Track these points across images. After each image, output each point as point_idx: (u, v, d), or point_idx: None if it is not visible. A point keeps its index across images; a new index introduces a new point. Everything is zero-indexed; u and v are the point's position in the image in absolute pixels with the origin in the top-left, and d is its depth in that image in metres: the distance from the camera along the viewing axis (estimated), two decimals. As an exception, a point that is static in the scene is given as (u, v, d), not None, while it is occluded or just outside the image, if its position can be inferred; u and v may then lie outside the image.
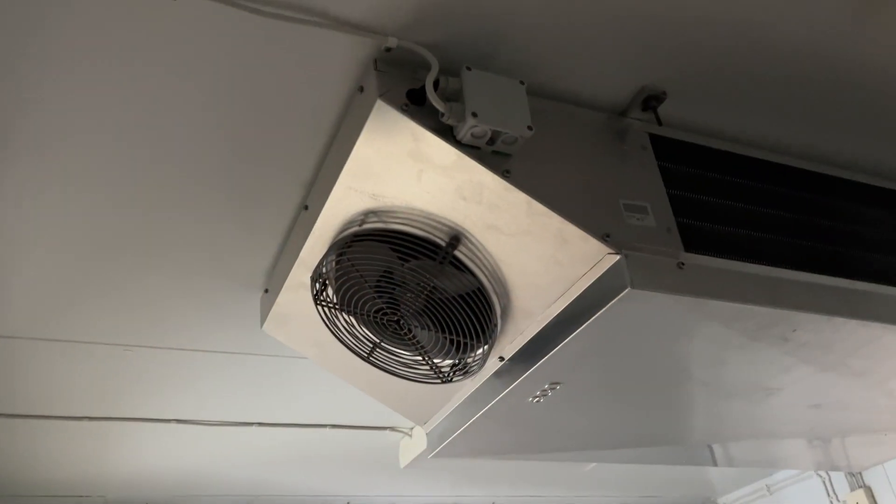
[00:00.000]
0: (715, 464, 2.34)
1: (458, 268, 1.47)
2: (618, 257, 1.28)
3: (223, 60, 1.29)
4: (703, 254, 1.39)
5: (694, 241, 1.40)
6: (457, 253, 1.46)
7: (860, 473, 3.83)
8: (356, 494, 3.76)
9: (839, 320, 1.45)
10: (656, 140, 1.49)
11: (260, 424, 2.77)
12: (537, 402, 1.64)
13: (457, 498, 4.00)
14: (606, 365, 1.54)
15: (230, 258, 1.81)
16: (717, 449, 2.16)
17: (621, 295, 1.27)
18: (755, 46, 1.42)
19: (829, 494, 3.98)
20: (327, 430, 2.90)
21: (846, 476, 3.89)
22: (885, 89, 1.57)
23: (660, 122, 1.46)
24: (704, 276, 1.33)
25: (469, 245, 1.44)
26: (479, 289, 1.49)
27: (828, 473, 4.00)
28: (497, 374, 1.63)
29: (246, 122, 1.43)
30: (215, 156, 1.49)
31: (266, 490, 3.57)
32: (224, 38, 1.25)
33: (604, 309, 1.30)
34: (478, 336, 1.51)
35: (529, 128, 1.25)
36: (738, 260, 1.41)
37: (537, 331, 1.49)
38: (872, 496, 3.76)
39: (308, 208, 1.59)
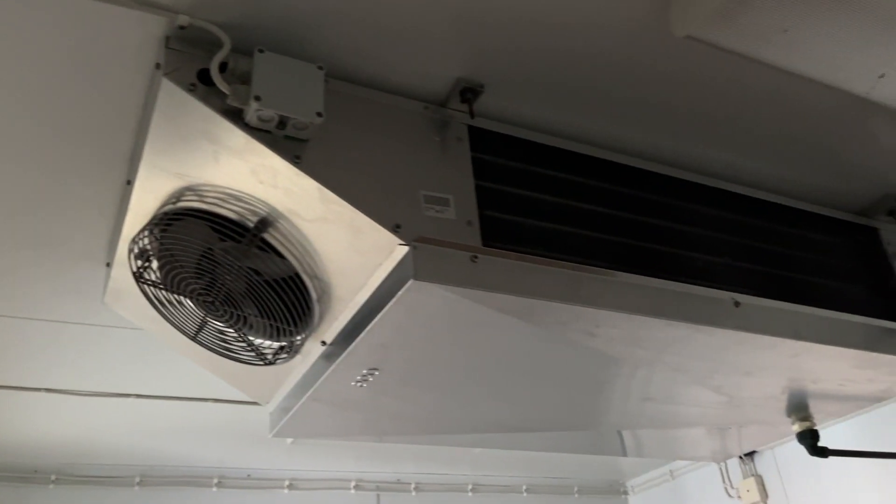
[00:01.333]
0: (575, 451, 2.38)
1: (271, 251, 1.46)
2: (406, 249, 1.28)
3: (31, 39, 1.26)
4: (505, 247, 1.40)
5: (497, 234, 1.41)
6: (268, 237, 1.45)
7: (753, 463, 3.94)
8: (256, 468, 3.77)
9: (641, 319, 1.47)
10: (474, 132, 1.49)
11: (138, 396, 2.76)
12: (361, 386, 1.65)
13: (361, 474, 4.03)
14: (420, 354, 1.55)
15: (77, 232, 1.80)
16: (566, 437, 2.20)
17: (406, 287, 1.27)
18: (570, 47, 1.42)
19: (724, 481, 4.09)
20: (210, 403, 2.89)
21: (740, 465, 3.99)
22: (695, 96, 1.59)
23: (472, 115, 1.46)
24: (499, 270, 1.34)
25: (280, 229, 1.43)
26: (296, 273, 1.49)
27: (725, 462, 4.10)
28: (322, 357, 1.63)
29: (61, 100, 1.40)
30: (38, 132, 1.47)
31: (160, 461, 3.57)
32: (29, 18, 1.22)
33: (393, 300, 1.31)
34: (293, 321, 1.51)
35: (319, 114, 1.24)
36: (542, 254, 1.42)
37: (350, 317, 1.49)
38: (762, 484, 3.87)
39: (129, 184, 1.57)
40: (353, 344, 1.47)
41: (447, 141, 1.46)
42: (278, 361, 1.64)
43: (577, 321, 1.45)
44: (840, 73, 1.40)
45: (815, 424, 2.14)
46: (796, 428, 2.15)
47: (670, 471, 4.49)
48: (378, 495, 4.05)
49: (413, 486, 4.15)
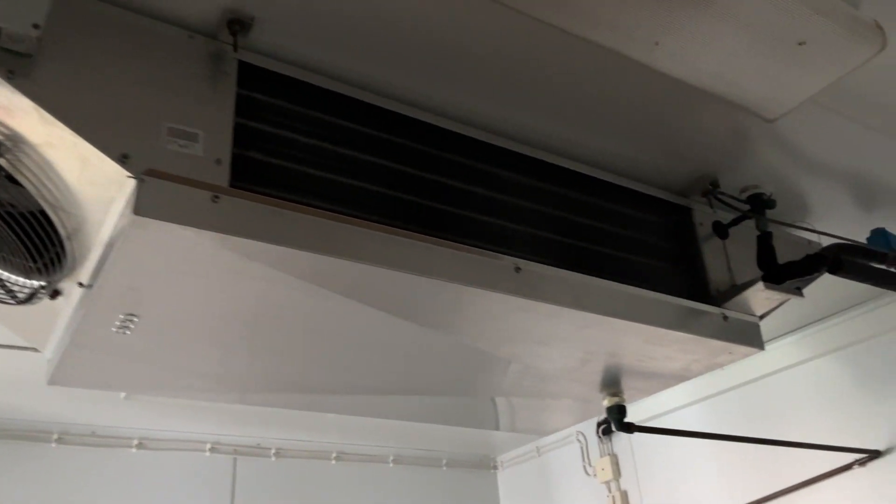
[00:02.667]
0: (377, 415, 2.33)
1: (11, 181, 1.35)
2: (134, 181, 1.19)
3: None
4: (259, 190, 1.32)
5: (253, 176, 1.33)
6: (4, 162, 1.33)
7: (610, 442, 4.00)
8: (101, 424, 3.62)
9: (406, 276, 1.42)
10: (244, 68, 1.41)
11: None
12: (124, 333, 1.55)
13: (218, 436, 3.93)
14: (181, 302, 1.46)
15: None
16: (379, 401, 2.15)
17: (128, 223, 1.18)
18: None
19: (583, 459, 4.15)
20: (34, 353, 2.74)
21: (598, 444, 4.06)
22: (502, 57, 1.54)
23: (236, 48, 1.37)
24: (244, 212, 1.26)
25: (15, 154, 1.31)
26: (40, 207, 1.38)
27: (585, 439, 4.16)
28: (80, 300, 1.53)
29: None
30: None
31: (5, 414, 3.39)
32: None
33: (120, 238, 1.22)
34: (38, 257, 1.40)
35: (36, 26, 1.14)
36: (302, 201, 1.35)
37: (98, 256, 1.39)
38: (616, 463, 3.94)
39: None
40: (96, 285, 1.37)
41: (213, 75, 1.37)
42: (34, 301, 1.54)
43: (339, 275, 1.39)
44: (619, 37, 1.36)
45: (624, 400, 2.15)
46: (606, 403, 2.16)
47: (537, 447, 4.54)
48: (235, 459, 3.96)
49: (273, 451, 4.07)
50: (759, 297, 1.84)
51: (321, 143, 1.44)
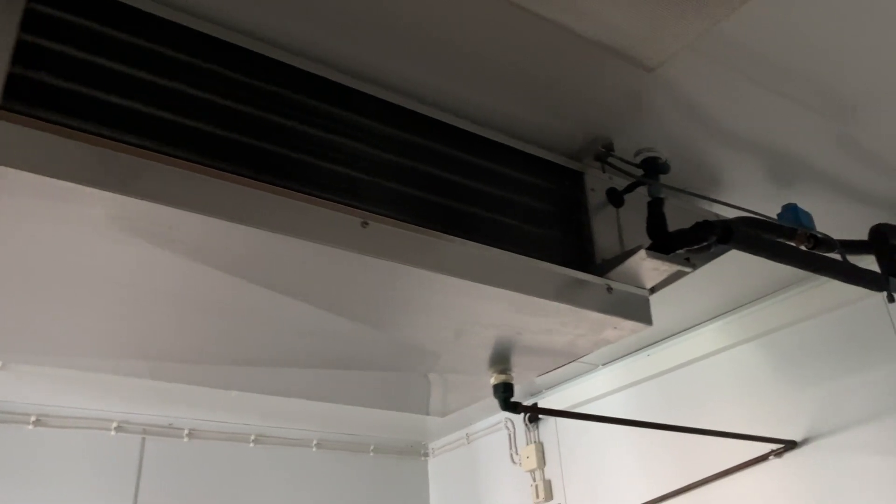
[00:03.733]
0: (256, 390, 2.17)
1: None
2: None
3: None
4: (38, 114, 1.15)
5: (34, 98, 1.16)
6: None
7: (536, 430, 3.88)
8: (-3, 399, 3.42)
9: (222, 223, 1.26)
10: (37, -21, 1.23)
11: None
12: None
13: (126, 415, 3.74)
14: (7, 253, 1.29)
15: None
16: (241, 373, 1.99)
17: None
18: None
19: (510, 447, 4.02)
20: None
21: (525, 432, 3.93)
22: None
23: (23, -47, 1.20)
24: (8, 138, 1.09)
25: None
26: None
27: (513, 427, 4.04)
28: None
29: None
30: None
31: None
32: None
33: None
34: None
35: None
36: (106, 135, 1.19)
37: None
38: (542, 451, 3.82)
39: None
40: None
41: (-1, -15, 1.19)
42: None
43: (141, 217, 1.22)
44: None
45: (511, 378, 2.01)
46: (492, 381, 2.01)
47: (467, 434, 4.41)
48: (143, 439, 3.77)
49: (187, 432, 3.89)
50: (645, 267, 1.70)
51: (133, 71, 1.27)
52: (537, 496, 3.73)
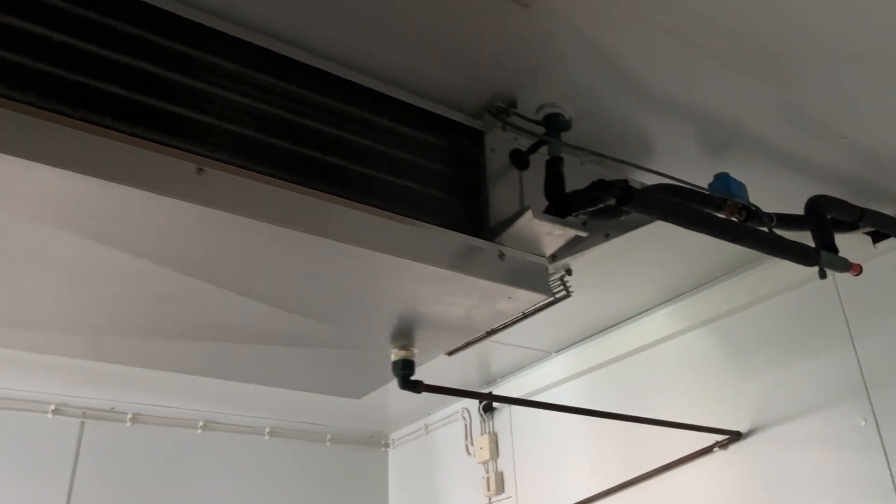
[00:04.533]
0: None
1: None
2: None
3: None
4: None
5: None
6: None
7: (491, 421, 3.74)
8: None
9: (47, 170, 1.12)
10: None
11: None
12: None
13: (65, 397, 3.61)
14: None
15: None
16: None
17: None
18: None
19: (466, 438, 3.88)
20: None
21: (480, 423, 3.79)
22: None
23: None
24: None
25: None
26: None
27: (469, 417, 3.89)
28: None
29: None
30: None
31: None
32: None
33: None
34: None
35: None
36: None
37: None
38: (496, 442, 3.67)
39: None
40: None
41: None
42: None
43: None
44: None
45: (413, 355, 1.87)
46: (393, 357, 1.87)
47: (426, 425, 4.27)
48: (82, 423, 3.65)
49: (130, 416, 3.77)
50: (537, 231, 1.56)
51: None
52: (488, 489, 3.59)
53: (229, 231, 1.33)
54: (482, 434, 3.75)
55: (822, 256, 1.81)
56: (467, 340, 2.02)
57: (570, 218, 1.57)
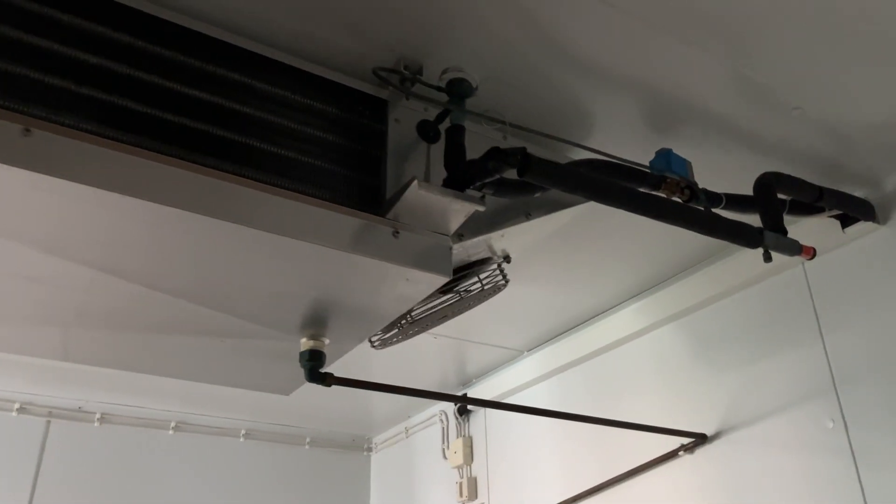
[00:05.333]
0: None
1: None
2: None
3: None
4: None
5: None
6: None
7: (466, 423, 3.58)
8: None
9: None
10: None
11: None
12: None
13: (31, 396, 3.54)
14: None
15: None
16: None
17: None
18: None
19: (443, 441, 3.73)
20: None
21: (456, 426, 3.64)
22: None
23: None
24: None
25: None
26: None
27: (447, 420, 3.74)
28: None
29: None
30: None
31: None
32: None
33: None
34: None
35: None
36: None
37: None
38: (471, 446, 3.52)
39: None
40: None
41: None
42: None
43: None
44: None
45: (322, 346, 1.73)
46: (301, 347, 1.74)
47: (406, 428, 4.13)
48: (48, 422, 3.57)
49: (98, 416, 3.68)
50: (432, 205, 1.41)
51: None
52: (461, 494, 3.43)
53: (83, 204, 1.21)
54: (457, 437, 3.59)
55: (767, 237, 1.64)
56: (388, 331, 1.88)
57: (470, 192, 1.42)
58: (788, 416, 2.14)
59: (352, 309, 1.62)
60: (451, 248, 1.51)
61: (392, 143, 1.55)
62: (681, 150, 1.84)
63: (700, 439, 2.36)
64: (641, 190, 1.58)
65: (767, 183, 1.74)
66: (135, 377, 3.43)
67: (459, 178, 1.41)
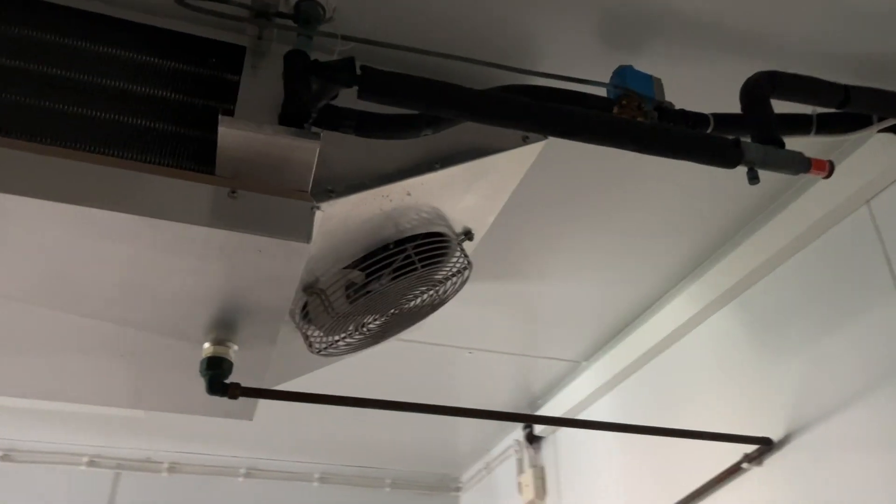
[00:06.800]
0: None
1: None
2: None
3: None
4: None
5: None
6: None
7: (535, 452, 3.17)
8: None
9: None
10: None
11: None
12: None
13: (99, 448, 3.52)
14: None
15: None
16: None
17: None
18: None
19: (518, 473, 3.32)
20: None
21: (527, 455, 3.23)
22: None
23: None
24: None
25: None
26: None
27: (522, 450, 3.33)
28: None
29: None
30: None
31: None
32: None
33: None
34: None
35: None
36: None
37: None
38: (542, 478, 3.09)
39: None
40: None
41: None
42: None
43: None
44: None
45: (226, 353, 1.46)
46: (203, 353, 1.48)
47: (486, 463, 3.75)
48: (117, 474, 3.54)
49: (167, 465, 3.61)
50: (259, 148, 1.12)
51: None
52: (536, 532, 3.00)
53: None
54: (528, 468, 3.18)
55: (746, 150, 1.20)
56: (329, 333, 1.58)
57: (309, 128, 1.13)
58: (869, 403, 1.61)
59: (226, 300, 1.35)
60: (312, 208, 1.21)
61: (246, 92, 1.29)
62: (654, 69, 1.45)
63: (765, 445, 1.84)
64: (552, 106, 1.21)
65: (756, 84, 1.30)
66: (203, 424, 3.35)
67: (293, 111, 1.12)
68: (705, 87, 1.51)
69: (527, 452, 3.22)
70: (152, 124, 1.24)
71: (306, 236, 1.18)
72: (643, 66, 1.45)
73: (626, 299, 2.46)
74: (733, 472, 1.93)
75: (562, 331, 2.68)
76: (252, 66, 1.32)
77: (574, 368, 2.88)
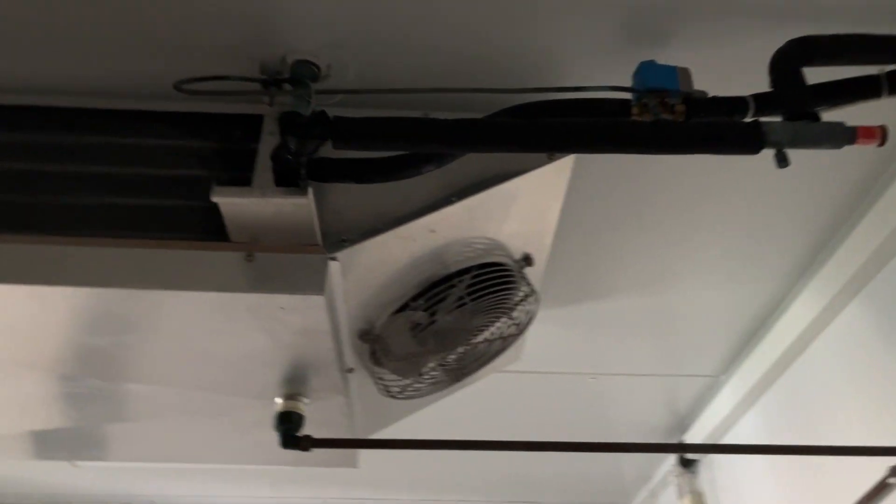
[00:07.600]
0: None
1: None
2: None
3: None
4: None
5: None
6: None
7: (691, 477, 2.96)
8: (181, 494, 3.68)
9: None
10: None
11: None
12: None
13: (279, 499, 3.76)
14: None
15: None
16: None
17: None
18: None
19: (680, 500, 3.11)
20: None
21: (687, 484, 3.01)
22: None
23: None
24: None
25: None
26: None
27: (681, 478, 3.12)
28: None
29: None
30: None
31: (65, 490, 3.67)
32: None
33: None
34: None
35: None
36: None
37: None
38: (702, 500, 2.87)
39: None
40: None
41: None
42: None
43: None
44: None
45: (297, 407, 1.51)
46: (275, 409, 1.54)
47: (651, 490, 3.54)
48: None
49: (328, 512, 3.77)
50: (256, 212, 1.17)
51: None
52: (701, 568, 2.78)
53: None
54: (686, 494, 2.96)
55: (769, 131, 1.06)
56: (403, 376, 1.60)
57: (306, 184, 1.16)
58: None
59: (276, 356, 1.40)
60: (326, 259, 1.23)
61: (263, 158, 1.35)
62: (684, 59, 1.34)
63: (914, 456, 1.59)
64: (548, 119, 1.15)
65: (780, 55, 1.16)
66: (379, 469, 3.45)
67: (280, 172, 1.16)
68: (741, 67, 1.36)
69: (683, 478, 3.01)
70: (169, 202, 1.34)
71: (319, 288, 1.21)
72: (668, 57, 1.35)
73: (753, 304, 2.25)
74: (880, 490, 1.68)
75: (694, 346, 2.50)
76: (269, 133, 1.38)
77: (714, 384, 2.66)
